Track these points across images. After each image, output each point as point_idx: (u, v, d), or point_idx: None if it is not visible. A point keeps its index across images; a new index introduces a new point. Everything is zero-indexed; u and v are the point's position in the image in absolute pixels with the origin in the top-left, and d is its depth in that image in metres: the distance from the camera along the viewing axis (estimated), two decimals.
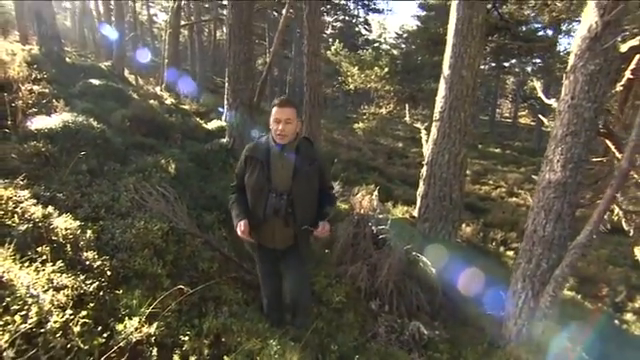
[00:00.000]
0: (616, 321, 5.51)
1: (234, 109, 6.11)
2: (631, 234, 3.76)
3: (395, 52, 18.00)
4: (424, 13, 20.31)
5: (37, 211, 2.25)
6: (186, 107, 10.65)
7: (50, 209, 2.34)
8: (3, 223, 2.07)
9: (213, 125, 8.01)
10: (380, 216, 4.22)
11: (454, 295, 3.91)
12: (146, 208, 2.96)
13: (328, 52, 10.65)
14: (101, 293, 1.93)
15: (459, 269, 4.07)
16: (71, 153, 3.52)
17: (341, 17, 28.50)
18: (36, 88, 4.98)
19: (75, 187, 3.09)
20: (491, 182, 13.37)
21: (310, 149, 2.23)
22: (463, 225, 6.62)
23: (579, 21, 3.86)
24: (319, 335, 2.66)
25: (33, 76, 5.37)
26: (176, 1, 12.68)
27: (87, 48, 20.93)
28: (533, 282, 3.39)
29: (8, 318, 1.42)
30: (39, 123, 3.78)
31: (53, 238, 2.15)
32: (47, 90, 5.22)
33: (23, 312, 1.46)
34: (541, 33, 11.83)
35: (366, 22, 29.73)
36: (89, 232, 2.39)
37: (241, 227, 2.12)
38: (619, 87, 3.78)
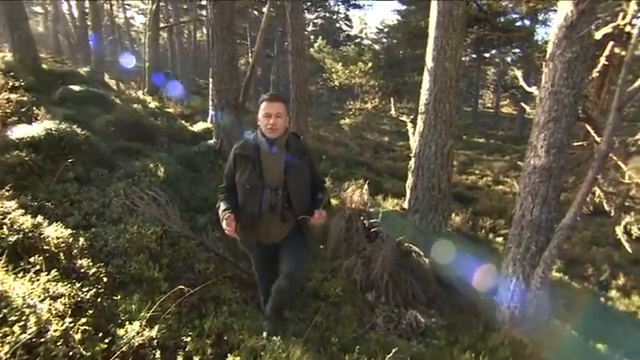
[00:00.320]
0: (602, 299, 5.74)
1: (219, 110, 6.06)
2: (612, 214, 3.92)
3: (377, 47, 18.10)
4: (404, 7, 20.41)
5: (26, 221, 2.20)
6: (170, 110, 10.51)
7: (39, 219, 2.30)
8: None
9: (199, 127, 7.95)
10: (371, 210, 4.28)
11: (448, 283, 4.00)
12: (138, 213, 2.93)
13: (311, 49, 10.66)
14: (99, 300, 1.91)
15: (453, 258, 4.16)
16: (56, 161, 3.44)
17: (322, 14, 28.43)
18: (14, 96, 4.85)
19: (63, 195, 3.05)
20: (477, 172, 13.60)
21: (299, 143, 2.24)
22: (452, 215, 6.73)
23: (555, 11, 3.97)
24: (319, 329, 2.69)
25: (10, 84, 5.22)
26: (154, 3, 12.40)
27: (62, 54, 20.35)
28: (523, 265, 3.50)
29: (7, 329, 1.40)
30: (20, 132, 3.66)
31: (45, 247, 2.12)
32: (25, 98, 5.08)
33: (22, 322, 1.44)
34: (519, 23, 12.14)
35: (347, 18, 29.79)
36: (82, 240, 2.37)
37: (227, 220, 2.04)
38: (595, 73, 3.92)
